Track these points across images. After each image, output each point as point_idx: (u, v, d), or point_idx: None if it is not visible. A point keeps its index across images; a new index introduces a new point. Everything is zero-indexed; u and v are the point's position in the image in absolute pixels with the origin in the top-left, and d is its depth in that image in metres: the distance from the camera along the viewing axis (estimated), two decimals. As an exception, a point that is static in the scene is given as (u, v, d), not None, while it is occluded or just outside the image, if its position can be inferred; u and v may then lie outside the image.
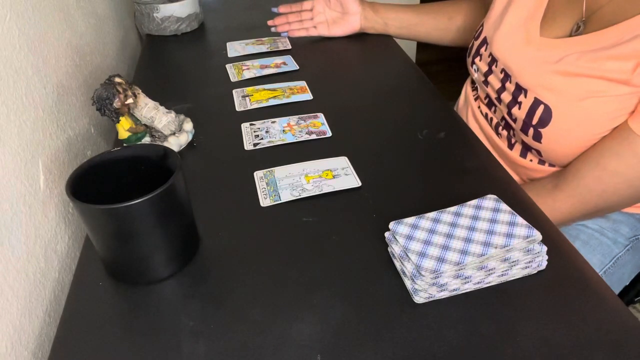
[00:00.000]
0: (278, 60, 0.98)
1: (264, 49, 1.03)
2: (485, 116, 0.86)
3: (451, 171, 0.67)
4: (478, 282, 0.49)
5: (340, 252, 0.55)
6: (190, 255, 0.55)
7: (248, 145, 0.74)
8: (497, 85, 0.79)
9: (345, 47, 1.05)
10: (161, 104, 0.72)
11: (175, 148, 0.72)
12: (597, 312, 0.47)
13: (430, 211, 0.55)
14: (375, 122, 0.79)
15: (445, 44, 1.07)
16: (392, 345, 0.45)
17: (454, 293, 0.49)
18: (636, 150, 0.63)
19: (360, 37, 1.07)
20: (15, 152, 0.54)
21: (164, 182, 0.48)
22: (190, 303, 0.50)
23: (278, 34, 1.09)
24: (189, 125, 0.75)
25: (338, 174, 0.66)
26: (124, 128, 0.69)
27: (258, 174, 0.67)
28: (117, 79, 0.66)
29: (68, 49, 0.74)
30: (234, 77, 0.93)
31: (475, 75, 0.86)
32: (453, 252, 0.49)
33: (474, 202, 0.56)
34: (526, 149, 0.78)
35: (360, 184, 0.65)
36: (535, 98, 0.71)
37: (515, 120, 0.76)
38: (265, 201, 0.63)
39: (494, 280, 0.50)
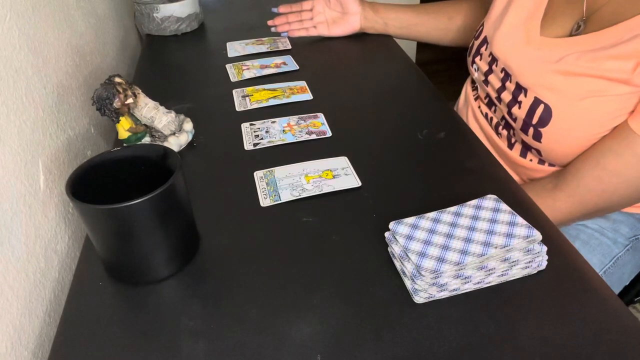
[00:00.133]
0: (278, 60, 0.98)
1: (264, 49, 1.03)
2: (485, 116, 0.86)
3: (451, 171, 0.67)
4: (478, 282, 0.49)
5: (340, 252, 0.55)
6: (190, 255, 0.55)
7: (248, 145, 0.74)
8: (497, 84, 0.79)
9: (345, 47, 1.05)
10: (161, 104, 0.72)
11: (175, 148, 0.72)
12: (597, 312, 0.47)
13: (430, 211, 0.55)
14: (375, 122, 0.79)
15: (445, 44, 1.07)
16: (392, 345, 0.45)
17: (454, 293, 0.49)
18: (636, 150, 0.63)
19: (360, 37, 1.07)
20: (15, 152, 0.54)
21: (164, 182, 0.48)
22: (190, 303, 0.50)
23: (278, 34, 1.09)
24: (189, 125, 0.75)
25: (338, 174, 0.66)
26: (124, 128, 0.69)
27: (258, 174, 0.67)
28: (117, 79, 0.66)
29: (68, 49, 0.74)
30: (234, 77, 0.93)
31: (476, 75, 0.86)
32: (453, 252, 0.49)
33: (474, 202, 0.56)
34: (526, 149, 0.78)
35: (360, 184, 0.65)
36: (536, 97, 0.71)
37: (515, 120, 0.76)
38: (265, 201, 0.63)
39: (494, 280, 0.50)
